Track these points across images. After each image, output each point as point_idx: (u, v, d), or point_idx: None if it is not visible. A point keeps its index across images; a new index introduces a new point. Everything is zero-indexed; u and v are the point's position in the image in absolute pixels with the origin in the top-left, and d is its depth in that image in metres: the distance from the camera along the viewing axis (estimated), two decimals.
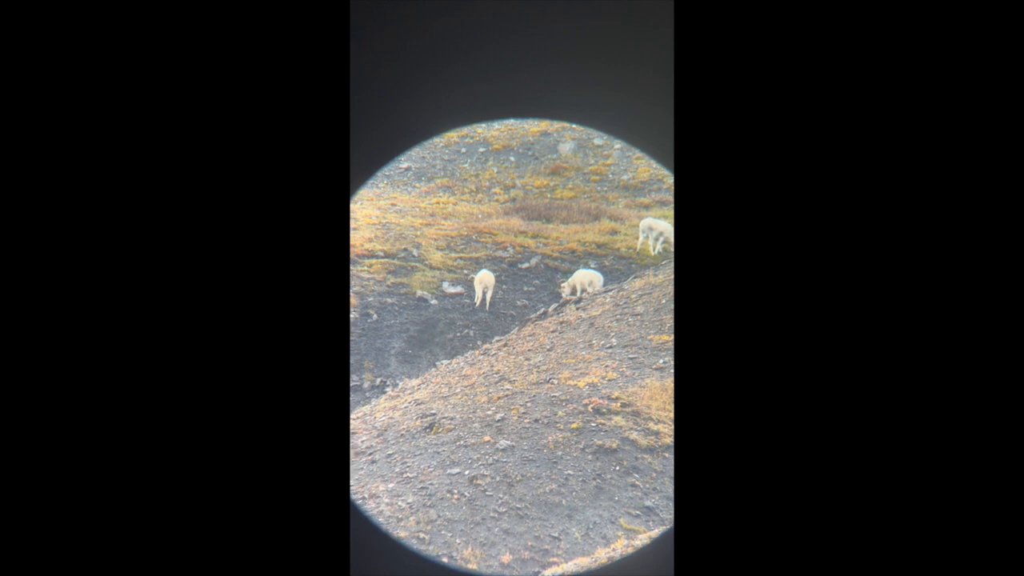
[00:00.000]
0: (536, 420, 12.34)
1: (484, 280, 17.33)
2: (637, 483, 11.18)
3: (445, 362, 15.48)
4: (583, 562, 9.12)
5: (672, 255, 18.05)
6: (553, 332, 15.21)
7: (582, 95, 4.63)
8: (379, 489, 11.03)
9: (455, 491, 10.98)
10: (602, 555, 9.04)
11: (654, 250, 18.40)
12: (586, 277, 16.94)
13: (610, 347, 14.11)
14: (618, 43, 3.94)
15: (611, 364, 13.52)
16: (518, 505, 10.84)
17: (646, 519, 10.65)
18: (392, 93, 4.20)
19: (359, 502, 10.72)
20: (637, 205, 20.24)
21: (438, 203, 20.70)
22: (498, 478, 11.24)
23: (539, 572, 8.53)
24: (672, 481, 11.22)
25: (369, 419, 13.19)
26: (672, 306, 14.73)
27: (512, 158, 21.60)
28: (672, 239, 18.30)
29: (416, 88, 4.27)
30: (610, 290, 16.55)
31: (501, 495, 10.99)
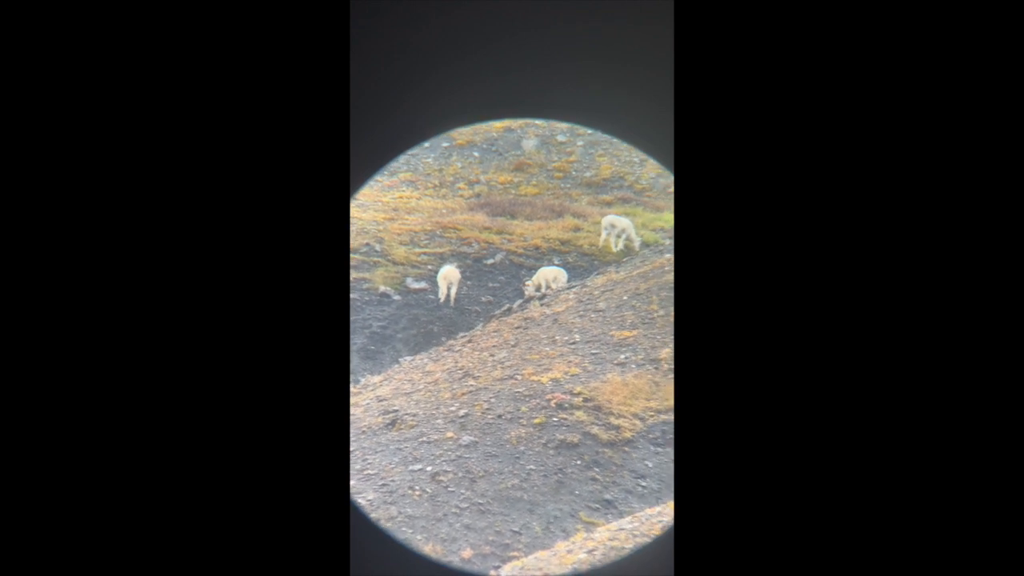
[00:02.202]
0: (499, 416, 12.39)
1: (449, 276, 17.32)
2: (597, 477, 11.29)
3: (408, 358, 15.46)
4: (543, 555, 9.19)
5: (633, 252, 18.19)
6: (517, 328, 15.27)
7: (582, 95, 4.63)
8: None
9: (417, 487, 10.99)
10: (561, 548, 9.12)
11: (616, 247, 18.53)
12: (550, 274, 17.02)
13: (573, 343, 14.20)
14: (618, 43, 3.95)
15: (574, 360, 13.61)
16: (480, 500, 10.89)
17: (605, 512, 10.76)
18: (392, 93, 4.19)
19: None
20: (599, 202, 20.34)
21: (401, 198, 20.62)
22: (460, 474, 11.27)
23: (541, 570, 8.54)
24: (631, 474, 11.34)
25: None
26: (633, 303, 14.85)
27: (476, 153, 21.58)
28: (634, 236, 18.43)
29: (416, 88, 4.26)
30: (573, 287, 16.65)
31: (463, 491, 11.02)
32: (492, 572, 8.28)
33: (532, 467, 11.45)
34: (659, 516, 9.10)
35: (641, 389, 12.54)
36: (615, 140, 21.68)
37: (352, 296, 17.46)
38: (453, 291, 17.33)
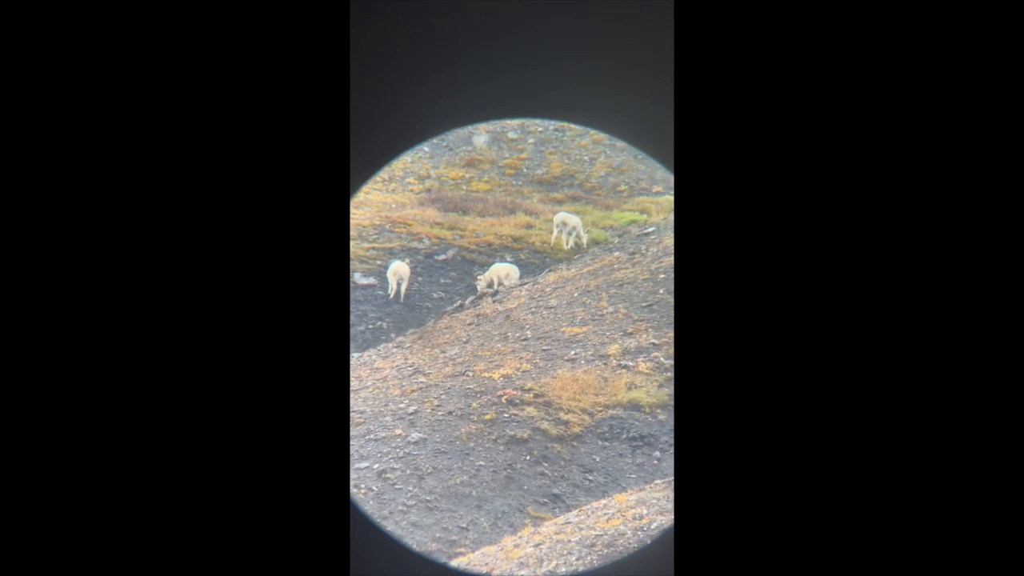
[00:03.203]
0: (450, 412, 12.35)
1: (399, 271, 17.20)
2: (546, 472, 11.32)
3: (356, 355, 15.32)
4: (490, 551, 9.18)
5: (582, 250, 18.28)
6: (470, 325, 15.23)
7: (582, 95, 4.64)
8: None
9: (363, 486, 10.90)
10: (508, 543, 9.11)
11: (567, 245, 18.61)
12: (503, 270, 17.01)
13: (525, 339, 14.22)
14: (618, 43, 3.96)
15: (525, 356, 13.64)
16: (427, 497, 10.84)
17: (553, 506, 10.80)
18: (391, 93, 4.19)
19: None
20: (551, 200, 20.41)
21: None
22: (408, 471, 11.20)
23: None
24: (579, 469, 11.40)
25: None
26: (583, 299, 14.93)
27: (426, 148, 21.47)
28: (582, 233, 18.52)
29: (416, 88, 4.25)
30: (525, 283, 16.67)
31: (411, 488, 10.95)
32: (493, 572, 8.24)
33: (482, 463, 11.43)
34: (604, 509, 9.15)
35: (590, 384, 12.61)
36: (565, 138, 21.79)
37: None
38: (403, 287, 17.23)
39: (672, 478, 9.89)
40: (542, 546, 8.64)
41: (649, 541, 7.55)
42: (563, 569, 8.02)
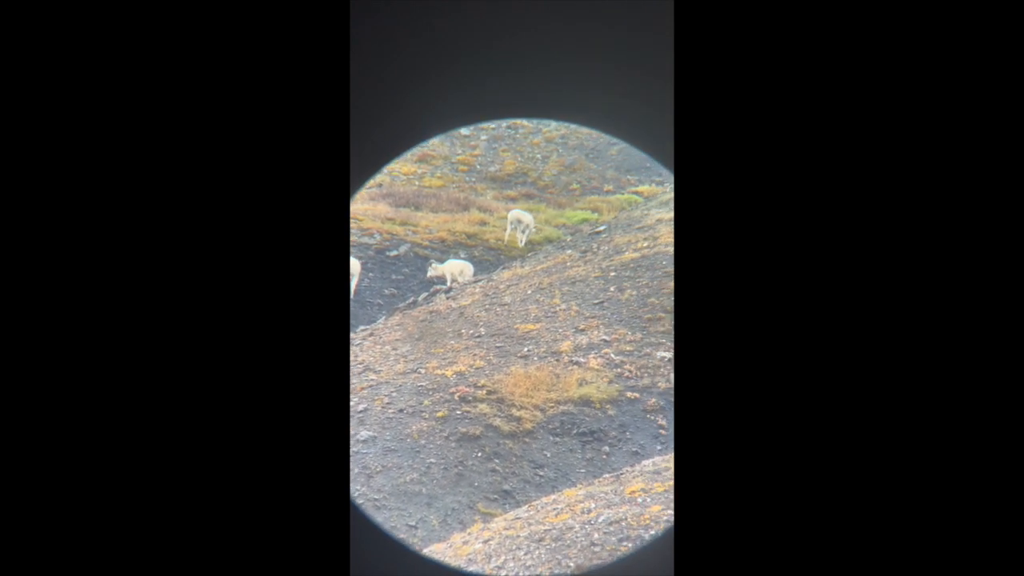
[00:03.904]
0: (401, 410, 12.24)
1: (349, 267, 17.02)
2: (497, 468, 11.29)
3: None
4: (438, 548, 9.10)
5: (535, 248, 18.30)
6: (423, 321, 15.13)
7: (581, 95, 4.63)
8: None
9: None
10: (457, 540, 9.05)
11: (521, 242, 18.61)
12: (457, 267, 16.94)
13: (478, 336, 14.17)
14: (618, 43, 3.95)
15: (479, 353, 13.59)
16: (376, 496, 10.72)
17: (503, 502, 10.77)
18: (391, 93, 4.17)
19: None
20: (504, 197, 20.41)
21: None
22: (357, 469, 11.07)
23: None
24: (530, 464, 11.38)
25: None
26: (537, 297, 14.94)
27: None
28: (532, 231, 18.57)
29: (416, 88, 4.23)
30: (479, 280, 16.62)
31: (359, 487, 10.82)
32: (493, 571, 8.14)
33: (432, 460, 11.35)
34: (554, 504, 9.14)
35: (543, 381, 12.61)
36: (518, 136, 21.80)
37: None
38: (353, 283, 17.05)
39: (619, 472, 9.93)
40: (491, 542, 8.60)
41: (648, 540, 7.54)
42: (512, 564, 7.98)
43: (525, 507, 9.57)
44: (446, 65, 4.17)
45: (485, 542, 8.64)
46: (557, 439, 11.79)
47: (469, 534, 9.16)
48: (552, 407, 12.24)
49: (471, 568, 8.29)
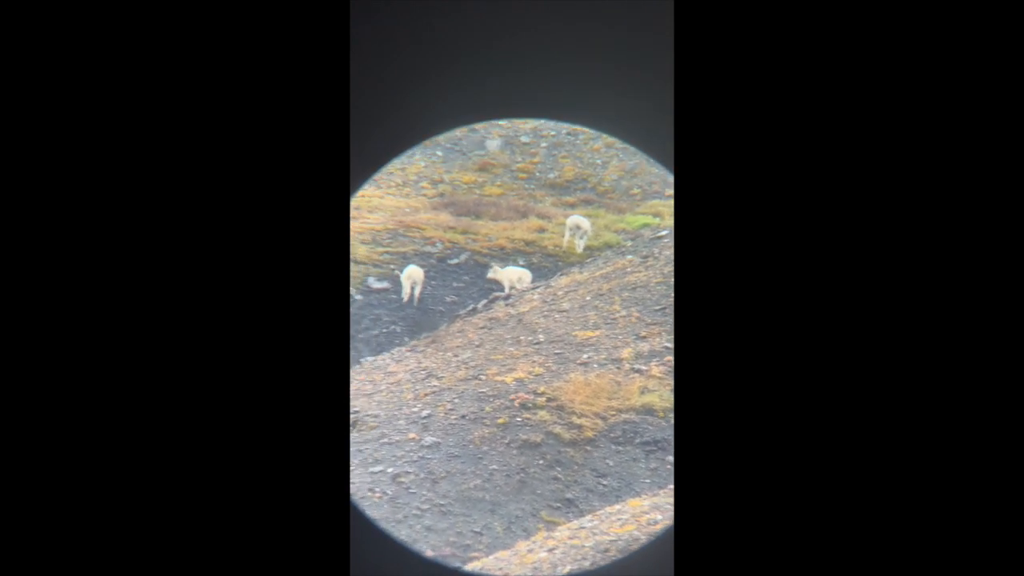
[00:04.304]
0: (463, 416, 12.38)
1: (412, 275, 17.25)
2: (559, 476, 11.33)
3: (370, 359, 15.38)
4: (504, 555, 9.20)
5: (594, 254, 18.29)
6: (482, 328, 15.26)
7: (581, 95, 4.64)
8: None
9: (377, 489, 10.94)
10: (522, 548, 9.13)
11: (579, 248, 18.62)
12: (515, 274, 17.03)
13: (537, 343, 14.23)
14: (618, 43, 3.97)
15: (538, 360, 13.65)
16: (441, 502, 10.87)
17: (566, 511, 10.81)
18: (392, 93, 4.19)
19: None
20: (563, 203, 20.43)
21: (363, 196, 20.49)
22: (422, 475, 11.24)
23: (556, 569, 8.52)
24: (592, 473, 11.40)
25: None
26: (596, 303, 14.94)
27: (439, 153, 21.53)
28: (589, 237, 18.54)
29: (415, 88, 4.26)
30: (538, 287, 16.68)
31: (425, 492, 10.98)
32: (494, 572, 8.27)
33: (495, 467, 11.45)
34: (619, 514, 9.15)
35: (603, 388, 12.61)
36: (578, 142, 21.79)
37: None
38: (416, 291, 17.28)
39: None
40: (556, 551, 8.66)
41: (649, 540, 7.55)
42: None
43: (589, 516, 9.60)
44: (446, 65, 4.16)
45: (550, 551, 8.70)
46: (619, 448, 11.79)
47: (533, 542, 9.23)
48: (613, 415, 12.23)
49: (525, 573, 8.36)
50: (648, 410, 12.24)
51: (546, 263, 18.33)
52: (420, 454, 11.71)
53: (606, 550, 8.20)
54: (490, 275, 16.73)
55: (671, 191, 20.62)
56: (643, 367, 13.03)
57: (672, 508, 8.71)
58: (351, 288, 17.41)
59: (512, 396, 12.78)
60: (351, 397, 13.36)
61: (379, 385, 13.72)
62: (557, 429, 12.07)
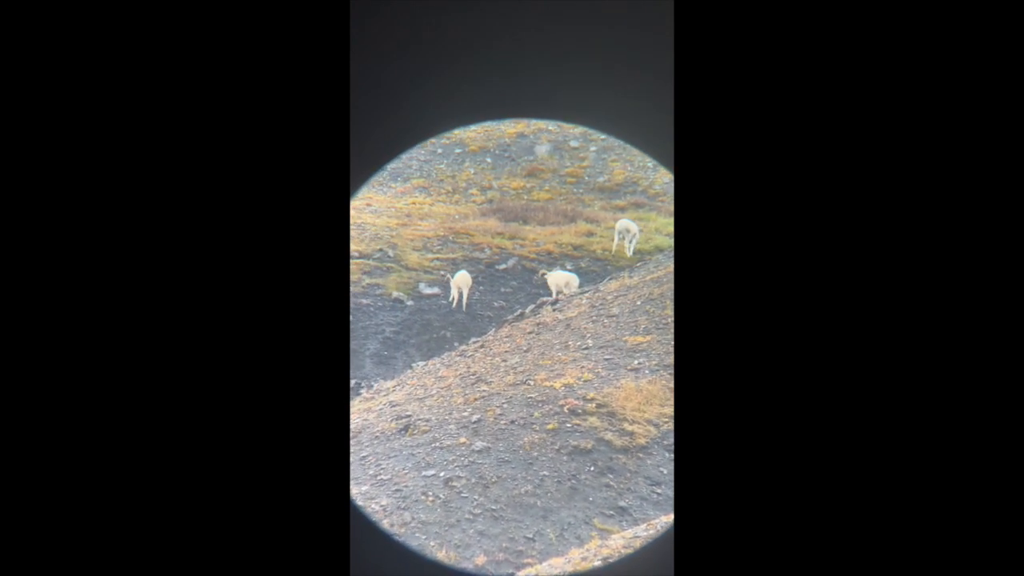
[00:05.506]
0: (512, 421, 12.35)
1: (461, 281, 17.33)
2: (611, 483, 11.23)
3: (421, 363, 15.46)
4: (557, 562, 9.14)
5: (645, 257, 18.15)
6: (530, 333, 15.23)
7: (582, 96, 4.64)
8: (353, 492, 10.99)
9: (430, 493, 10.97)
10: (576, 555, 9.07)
11: (629, 252, 18.50)
12: (562, 279, 16.99)
13: (586, 348, 14.15)
14: (618, 44, 3.96)
15: (587, 365, 13.57)
16: (493, 507, 10.85)
17: (620, 519, 10.70)
18: (392, 93, 4.19)
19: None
20: (612, 207, 20.34)
21: (414, 203, 20.67)
22: (473, 480, 11.24)
23: (514, 573, 8.56)
24: (645, 481, 11.28)
25: None
26: (647, 308, 14.80)
27: (488, 159, 21.61)
28: (637, 241, 18.42)
29: (416, 88, 4.26)
30: (586, 291, 16.61)
31: (476, 497, 10.98)
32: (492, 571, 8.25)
33: (545, 473, 11.40)
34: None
35: (655, 395, 12.47)
36: (629, 146, 21.68)
37: (365, 301, 17.48)
38: (465, 296, 17.33)
39: None
40: (611, 560, 8.58)
41: (649, 541, 7.43)
42: None
43: (643, 525, 9.50)
44: (446, 65, 4.13)
45: (604, 559, 8.62)
46: (673, 456, 11.66)
47: (587, 550, 9.16)
48: (666, 422, 12.10)
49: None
50: None
51: (595, 267, 18.25)
52: (471, 459, 11.71)
53: None
54: (543, 275, 16.75)
55: None
56: None
57: None
58: (403, 294, 17.55)
59: (561, 402, 12.71)
60: (404, 401, 13.44)
61: (430, 389, 13.78)
62: (608, 436, 11.97)
